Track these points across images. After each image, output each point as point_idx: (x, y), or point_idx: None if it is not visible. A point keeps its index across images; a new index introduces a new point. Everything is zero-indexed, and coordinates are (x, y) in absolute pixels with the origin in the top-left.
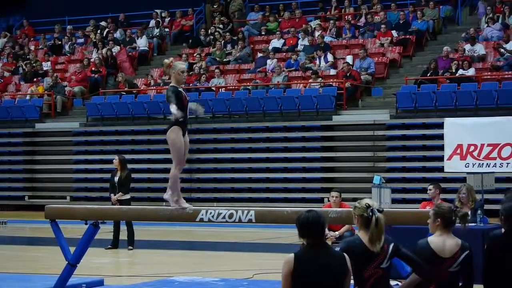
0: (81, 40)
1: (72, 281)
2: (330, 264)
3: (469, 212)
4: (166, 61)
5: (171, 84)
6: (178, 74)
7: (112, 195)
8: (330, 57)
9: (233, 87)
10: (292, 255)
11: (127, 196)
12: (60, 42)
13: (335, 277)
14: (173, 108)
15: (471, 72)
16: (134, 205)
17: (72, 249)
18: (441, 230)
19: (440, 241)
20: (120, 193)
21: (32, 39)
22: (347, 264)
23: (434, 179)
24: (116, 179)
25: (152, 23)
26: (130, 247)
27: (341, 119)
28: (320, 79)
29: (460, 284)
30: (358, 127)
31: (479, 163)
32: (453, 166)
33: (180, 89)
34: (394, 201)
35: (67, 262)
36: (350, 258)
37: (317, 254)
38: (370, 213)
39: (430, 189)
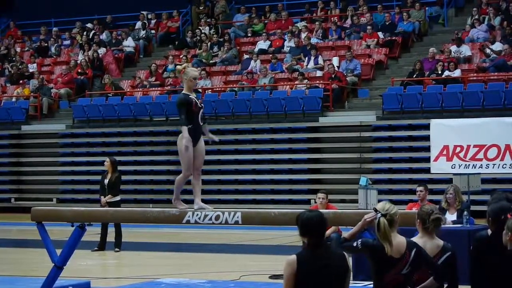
0: (67, 42)
1: (58, 283)
2: (331, 264)
3: (456, 213)
4: (179, 67)
5: (182, 92)
6: (190, 81)
7: (102, 197)
8: (320, 60)
9: (220, 89)
10: (294, 256)
11: (117, 198)
12: (46, 44)
13: (336, 276)
14: (181, 118)
15: (457, 73)
16: (121, 207)
17: (58, 251)
18: (422, 231)
19: (420, 243)
20: (110, 195)
21: (18, 41)
22: (347, 263)
23: (421, 180)
24: (107, 181)
25: (139, 24)
26: (117, 249)
27: (328, 120)
28: (306, 80)
29: (446, 286)
30: (344, 128)
31: (465, 164)
32: (439, 167)
33: (191, 96)
34: (380, 202)
35: (53, 264)
36: (372, 262)
37: (318, 254)
38: (376, 217)
39: (421, 191)
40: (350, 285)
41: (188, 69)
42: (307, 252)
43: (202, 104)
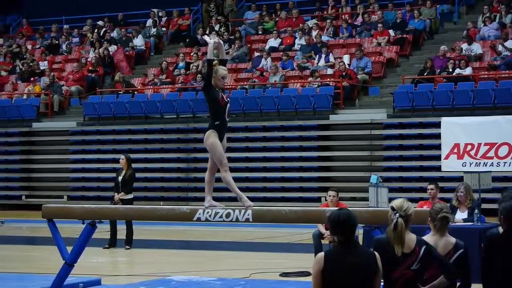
0: (77, 40)
1: (69, 280)
2: (359, 262)
3: (467, 211)
4: None
5: None
6: (218, 80)
7: (115, 194)
8: (331, 57)
9: (230, 87)
10: (322, 253)
11: (130, 196)
12: (57, 42)
13: (364, 275)
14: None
15: (468, 71)
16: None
17: (69, 249)
18: (433, 229)
19: (432, 241)
20: (122, 192)
21: (29, 38)
22: (377, 263)
23: (431, 178)
24: (120, 178)
25: (149, 22)
26: (127, 247)
27: (338, 118)
28: (317, 78)
29: (459, 283)
30: (355, 126)
31: (476, 162)
32: (450, 165)
33: (218, 91)
34: (391, 200)
35: (64, 261)
36: (381, 256)
37: (346, 252)
38: (393, 216)
39: (432, 189)
40: None
41: (217, 67)
42: (335, 250)
43: (228, 99)
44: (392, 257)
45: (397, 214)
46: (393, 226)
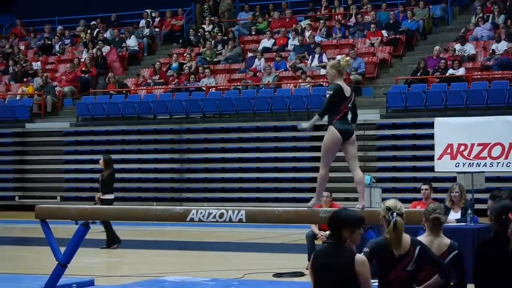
0: (68, 41)
1: (62, 281)
2: (334, 263)
3: (460, 212)
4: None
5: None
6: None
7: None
8: (324, 58)
9: (224, 87)
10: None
11: (109, 196)
12: (50, 42)
13: (340, 277)
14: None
15: (461, 71)
16: (125, 205)
17: (62, 249)
18: (428, 230)
19: (427, 241)
20: (100, 192)
21: (22, 39)
22: (354, 268)
23: (425, 179)
24: (100, 178)
25: (142, 23)
26: (104, 246)
27: None
28: (307, 78)
29: (452, 283)
30: None
31: (469, 163)
32: (443, 165)
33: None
34: (384, 200)
35: (57, 262)
36: (376, 260)
37: (329, 251)
38: (390, 216)
39: (426, 189)
40: None
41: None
42: (323, 248)
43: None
44: (390, 259)
45: (395, 213)
46: (393, 225)
